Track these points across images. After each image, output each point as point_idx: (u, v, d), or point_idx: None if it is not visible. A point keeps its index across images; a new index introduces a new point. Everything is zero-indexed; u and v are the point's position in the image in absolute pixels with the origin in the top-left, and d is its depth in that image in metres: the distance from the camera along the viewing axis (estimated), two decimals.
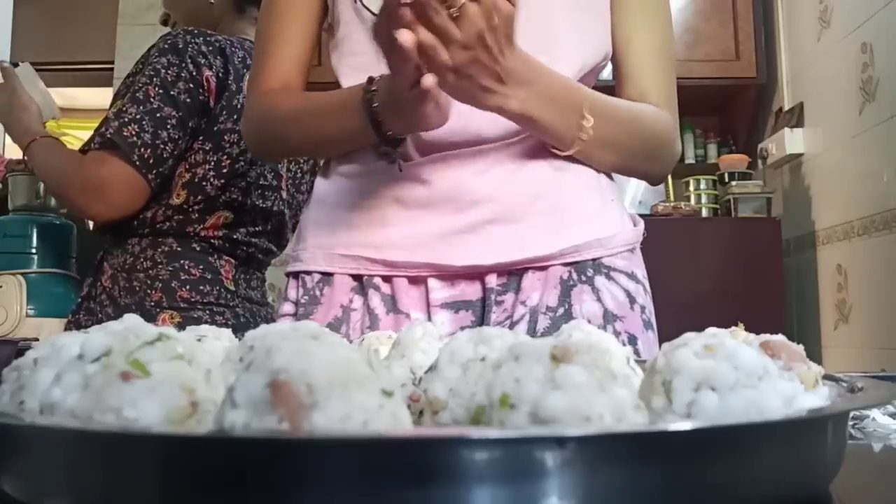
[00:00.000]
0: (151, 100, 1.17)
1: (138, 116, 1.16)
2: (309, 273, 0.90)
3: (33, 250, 1.58)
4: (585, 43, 0.89)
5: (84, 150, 1.23)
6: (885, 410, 0.58)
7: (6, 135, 2.00)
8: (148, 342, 0.34)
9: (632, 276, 0.90)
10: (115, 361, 0.33)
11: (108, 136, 1.16)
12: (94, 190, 1.18)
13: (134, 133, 1.15)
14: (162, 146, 1.17)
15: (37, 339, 1.07)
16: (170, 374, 0.33)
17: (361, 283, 0.87)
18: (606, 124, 0.83)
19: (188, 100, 1.19)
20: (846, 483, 0.39)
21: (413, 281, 0.86)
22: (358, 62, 0.87)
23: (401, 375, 0.46)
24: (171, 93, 1.18)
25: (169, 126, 1.17)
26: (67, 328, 1.30)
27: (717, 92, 3.06)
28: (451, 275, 0.85)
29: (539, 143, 0.85)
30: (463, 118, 0.80)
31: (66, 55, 3.92)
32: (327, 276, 0.89)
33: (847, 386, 0.43)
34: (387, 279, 0.86)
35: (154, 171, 1.18)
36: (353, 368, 0.31)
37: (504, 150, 0.85)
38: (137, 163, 1.16)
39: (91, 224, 1.36)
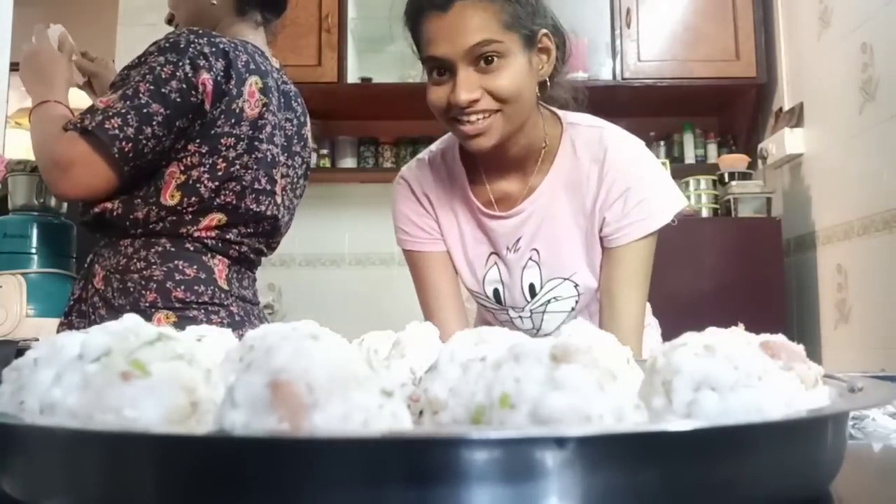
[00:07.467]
0: (141, 95, 1.18)
1: (124, 111, 1.17)
2: None
3: (33, 250, 1.59)
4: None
5: (66, 127, 1.22)
6: (885, 410, 0.58)
7: (6, 135, 2.00)
8: (148, 342, 0.34)
9: None
10: (115, 361, 0.33)
11: (90, 127, 1.17)
12: (61, 168, 1.19)
13: (116, 126, 1.16)
14: (144, 141, 1.18)
15: (37, 339, 1.07)
16: (170, 374, 0.33)
17: None
18: None
19: (178, 99, 1.18)
20: (846, 483, 0.39)
21: None
22: None
23: (401, 375, 0.46)
24: (163, 90, 1.18)
25: (154, 123, 1.17)
26: (60, 331, 1.29)
27: (717, 92, 3.06)
28: None
29: None
30: None
31: None
32: None
33: (847, 386, 0.43)
34: None
35: (131, 164, 1.19)
36: (353, 368, 0.31)
37: None
38: (117, 155, 1.17)
39: (81, 217, 1.35)
